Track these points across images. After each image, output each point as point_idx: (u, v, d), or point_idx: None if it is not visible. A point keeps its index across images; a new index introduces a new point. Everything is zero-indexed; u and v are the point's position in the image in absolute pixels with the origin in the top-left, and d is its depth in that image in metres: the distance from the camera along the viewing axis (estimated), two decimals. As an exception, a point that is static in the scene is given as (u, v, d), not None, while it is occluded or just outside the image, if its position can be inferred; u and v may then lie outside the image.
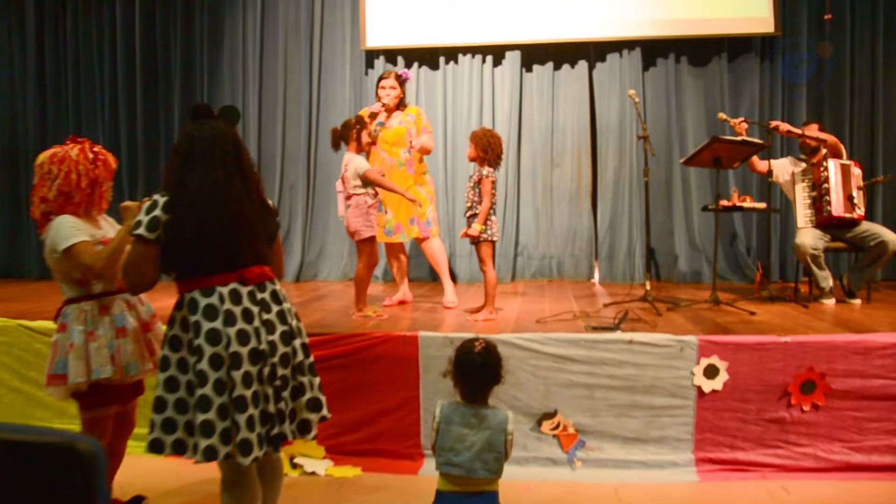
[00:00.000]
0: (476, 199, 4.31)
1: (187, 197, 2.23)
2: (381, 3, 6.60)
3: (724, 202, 5.23)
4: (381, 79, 5.16)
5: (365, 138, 4.47)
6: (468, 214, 4.37)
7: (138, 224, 2.22)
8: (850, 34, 6.32)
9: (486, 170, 4.30)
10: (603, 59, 6.56)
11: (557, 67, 6.66)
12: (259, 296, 2.32)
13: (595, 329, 3.88)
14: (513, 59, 6.58)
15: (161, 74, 7.06)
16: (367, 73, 6.81)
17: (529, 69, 6.67)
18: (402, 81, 5.15)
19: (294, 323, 2.43)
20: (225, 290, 2.25)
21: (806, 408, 3.50)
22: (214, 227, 2.24)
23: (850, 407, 3.51)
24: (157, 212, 2.22)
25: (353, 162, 4.40)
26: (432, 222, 5.14)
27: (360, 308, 4.46)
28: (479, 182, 4.30)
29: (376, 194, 4.44)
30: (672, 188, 6.47)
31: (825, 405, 3.51)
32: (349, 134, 4.44)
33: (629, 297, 4.86)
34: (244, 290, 2.29)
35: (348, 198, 4.42)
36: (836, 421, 3.51)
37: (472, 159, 4.39)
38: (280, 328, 2.34)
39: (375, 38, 6.61)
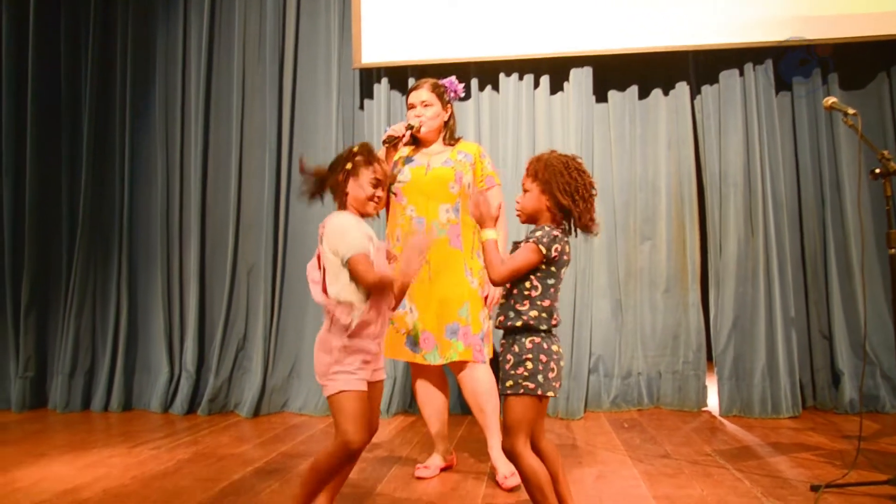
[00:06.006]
0: (517, 292, 2.11)
1: None
2: (384, 3, 4.50)
3: None
4: (410, 91, 3.12)
5: (367, 182, 2.24)
6: (501, 320, 2.15)
7: None
8: None
9: (547, 235, 2.07)
10: (713, 80, 4.44)
11: (644, 93, 4.53)
12: None
13: None
14: (580, 79, 4.44)
15: (65, 111, 4.89)
16: (361, 106, 4.66)
17: (603, 96, 4.53)
18: (442, 93, 3.08)
19: None
20: None
21: None
22: None
23: None
24: None
25: (330, 224, 2.16)
26: (486, 338, 2.95)
27: None
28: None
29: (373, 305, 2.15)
30: (829, 267, 4.28)
31: None
32: (336, 176, 2.23)
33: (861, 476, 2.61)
34: None
35: (324, 289, 2.14)
36: None
37: (532, 213, 2.17)
38: None
39: (375, 51, 4.46)
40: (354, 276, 2.09)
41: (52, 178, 4.88)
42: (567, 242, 2.12)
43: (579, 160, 2.16)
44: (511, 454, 2.06)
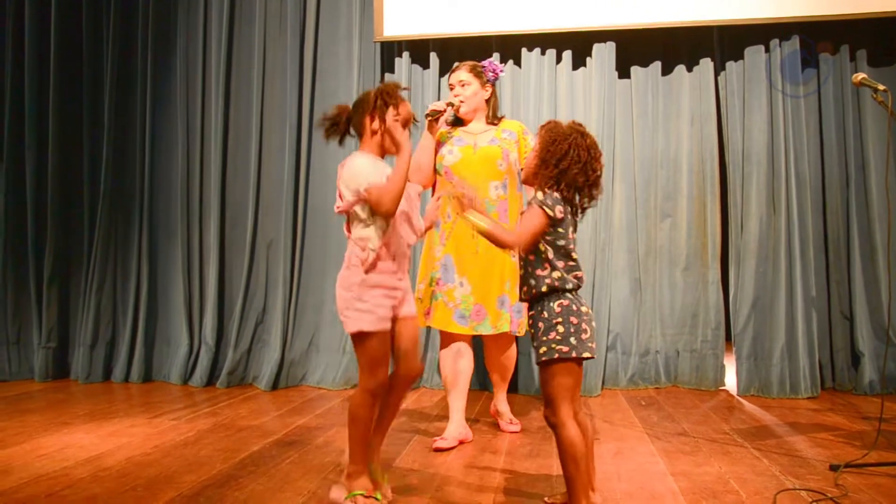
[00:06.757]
0: (534, 258, 2.10)
1: None
2: (405, -24, 4.46)
3: None
4: (450, 73, 3.31)
5: (393, 128, 2.22)
6: (524, 290, 2.15)
7: None
8: None
9: (550, 198, 2.05)
10: (738, 56, 4.37)
11: (668, 69, 4.48)
12: None
13: None
14: (603, 54, 4.39)
15: (86, 84, 4.90)
16: (382, 80, 4.63)
17: (626, 72, 4.48)
18: (480, 73, 3.22)
19: None
20: None
21: None
22: None
23: None
24: None
25: (348, 167, 2.20)
26: (522, 311, 3.09)
27: (351, 473, 2.22)
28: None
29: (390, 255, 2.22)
30: (851, 248, 4.24)
31: None
32: (362, 117, 2.26)
33: None
34: None
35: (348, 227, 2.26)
36: None
37: (529, 173, 2.17)
38: None
39: (397, 24, 4.43)
40: (374, 206, 2.14)
41: (74, 151, 4.90)
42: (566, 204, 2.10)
43: (594, 151, 2.08)
44: (553, 423, 2.03)
